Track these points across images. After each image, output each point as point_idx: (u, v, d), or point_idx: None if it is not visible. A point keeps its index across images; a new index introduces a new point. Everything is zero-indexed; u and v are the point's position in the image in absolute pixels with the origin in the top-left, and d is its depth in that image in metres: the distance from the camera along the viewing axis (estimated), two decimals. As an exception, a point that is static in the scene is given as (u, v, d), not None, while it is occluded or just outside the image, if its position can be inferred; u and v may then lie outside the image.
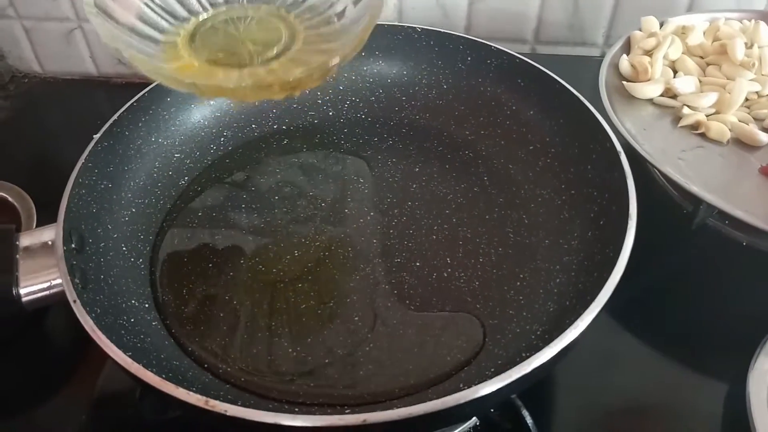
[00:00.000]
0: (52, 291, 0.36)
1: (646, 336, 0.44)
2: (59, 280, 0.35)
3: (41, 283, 0.36)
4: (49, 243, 0.37)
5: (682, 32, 0.56)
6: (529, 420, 0.36)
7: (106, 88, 0.72)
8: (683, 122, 0.50)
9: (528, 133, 0.49)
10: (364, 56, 0.53)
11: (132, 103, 0.46)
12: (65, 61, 0.73)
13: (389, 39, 0.53)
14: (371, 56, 0.54)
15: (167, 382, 0.29)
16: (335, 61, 0.37)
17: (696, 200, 0.45)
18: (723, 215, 0.44)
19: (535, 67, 0.48)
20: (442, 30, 0.52)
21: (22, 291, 0.36)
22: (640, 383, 0.42)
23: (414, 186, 0.48)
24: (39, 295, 0.36)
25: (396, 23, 0.54)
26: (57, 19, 0.69)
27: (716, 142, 0.49)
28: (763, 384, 0.38)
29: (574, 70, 0.50)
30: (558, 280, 0.40)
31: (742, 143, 0.48)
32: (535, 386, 0.32)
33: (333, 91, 0.54)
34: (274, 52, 0.39)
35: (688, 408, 0.40)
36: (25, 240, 0.37)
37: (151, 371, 0.30)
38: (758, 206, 0.43)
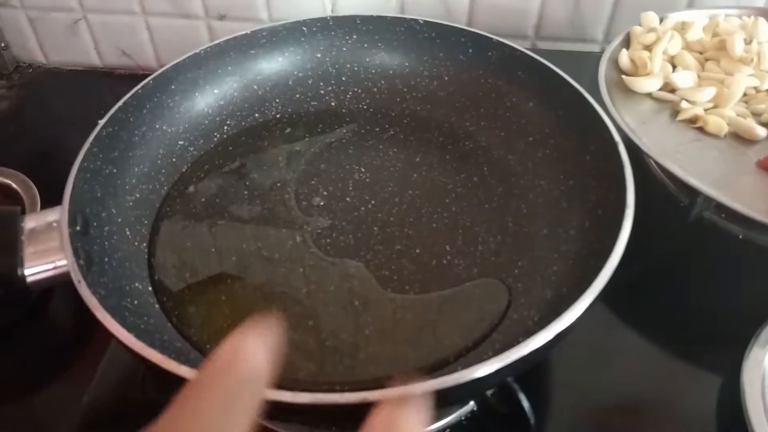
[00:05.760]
0: (56, 272, 0.36)
1: (642, 327, 0.44)
2: (64, 261, 0.35)
3: (46, 263, 0.36)
4: (54, 225, 0.37)
5: (682, 28, 0.56)
6: (525, 404, 0.36)
7: (110, 80, 0.73)
8: (681, 116, 0.50)
9: (528, 124, 0.49)
10: (366, 47, 0.54)
11: (137, 91, 0.47)
12: (69, 51, 0.73)
13: (391, 31, 0.54)
14: (374, 47, 0.54)
15: (170, 360, 0.30)
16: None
17: (693, 193, 0.45)
18: (719, 208, 0.45)
19: (536, 59, 0.49)
20: (443, 22, 0.53)
21: (27, 272, 0.36)
22: (635, 372, 0.42)
23: (414, 175, 0.48)
24: (43, 275, 0.36)
25: (398, 15, 0.55)
26: (62, 10, 0.70)
27: (714, 136, 0.49)
28: (758, 375, 0.38)
29: (574, 66, 0.51)
30: (555, 268, 0.40)
31: (740, 137, 0.49)
32: (533, 372, 0.32)
33: (335, 81, 0.54)
34: None
35: (682, 398, 0.41)
36: (30, 221, 0.37)
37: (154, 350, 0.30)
38: (755, 199, 0.43)
